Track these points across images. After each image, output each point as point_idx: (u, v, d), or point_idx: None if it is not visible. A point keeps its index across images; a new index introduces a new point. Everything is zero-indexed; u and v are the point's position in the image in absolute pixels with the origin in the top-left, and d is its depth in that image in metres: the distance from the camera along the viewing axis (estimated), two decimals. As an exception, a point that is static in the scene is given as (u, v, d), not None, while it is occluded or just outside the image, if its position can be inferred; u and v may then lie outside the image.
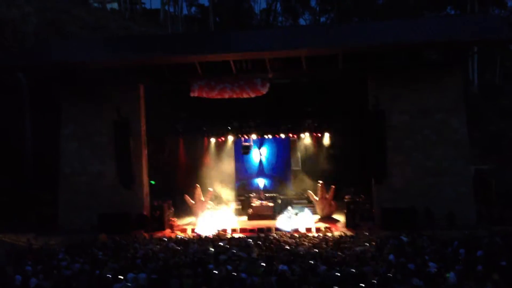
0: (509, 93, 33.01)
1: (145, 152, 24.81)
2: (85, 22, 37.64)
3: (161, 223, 23.94)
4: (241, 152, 26.62)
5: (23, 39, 31.18)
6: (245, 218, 25.75)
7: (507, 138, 30.11)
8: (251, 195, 27.54)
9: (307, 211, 24.22)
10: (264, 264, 13.13)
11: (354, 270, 12.12)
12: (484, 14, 29.19)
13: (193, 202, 26.26)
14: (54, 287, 12.10)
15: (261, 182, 28.77)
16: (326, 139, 27.00)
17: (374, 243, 17.03)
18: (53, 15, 35.32)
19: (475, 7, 35.32)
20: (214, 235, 21.09)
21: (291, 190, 28.37)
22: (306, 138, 27.75)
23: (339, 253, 15.07)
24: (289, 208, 24.41)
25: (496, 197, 24.49)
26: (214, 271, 12.55)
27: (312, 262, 13.50)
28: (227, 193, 27.93)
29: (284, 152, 28.70)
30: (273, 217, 25.21)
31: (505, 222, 20.53)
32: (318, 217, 24.88)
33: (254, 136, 26.87)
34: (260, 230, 22.21)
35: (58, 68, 24.29)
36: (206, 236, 20.59)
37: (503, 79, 34.87)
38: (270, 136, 27.47)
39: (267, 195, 27.44)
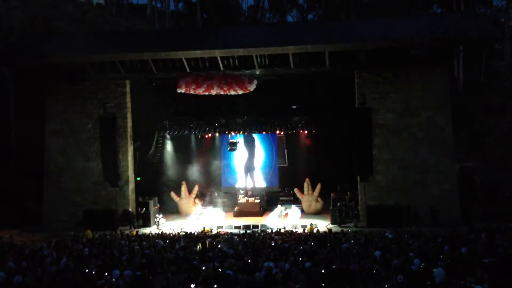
0: (494, 91, 33.25)
1: (131, 148, 24.69)
2: (71, 17, 37.33)
3: (147, 220, 23.90)
4: (228, 148, 26.60)
5: (8, 33, 30.87)
6: (231, 214, 25.75)
7: (492, 136, 30.35)
8: (238, 191, 27.55)
9: (294, 208, 24.32)
10: (250, 261, 13.12)
11: (339, 267, 12.16)
12: (470, 13, 29.34)
13: (179, 198, 26.23)
14: (38, 284, 11.97)
15: (247, 178, 28.74)
16: (313, 136, 27.03)
17: (359, 240, 17.12)
18: (39, 10, 35.00)
19: (461, 6, 35.52)
20: (200, 231, 21.06)
21: (277, 187, 28.40)
22: (293, 135, 27.76)
23: (325, 250, 15.10)
24: (279, 206, 24.47)
25: (480, 194, 24.73)
26: (200, 268, 12.53)
27: (298, 259, 13.52)
28: (214, 190, 27.90)
29: (271, 149, 28.68)
30: (259, 214, 25.31)
31: (489, 219, 20.73)
32: (304, 213, 24.99)
33: (241, 133, 26.85)
34: (246, 226, 22.23)
35: (43, 64, 24.05)
36: (192, 233, 20.55)
37: (488, 77, 35.11)
38: (257, 133, 27.45)
39: (253, 192, 27.50)
